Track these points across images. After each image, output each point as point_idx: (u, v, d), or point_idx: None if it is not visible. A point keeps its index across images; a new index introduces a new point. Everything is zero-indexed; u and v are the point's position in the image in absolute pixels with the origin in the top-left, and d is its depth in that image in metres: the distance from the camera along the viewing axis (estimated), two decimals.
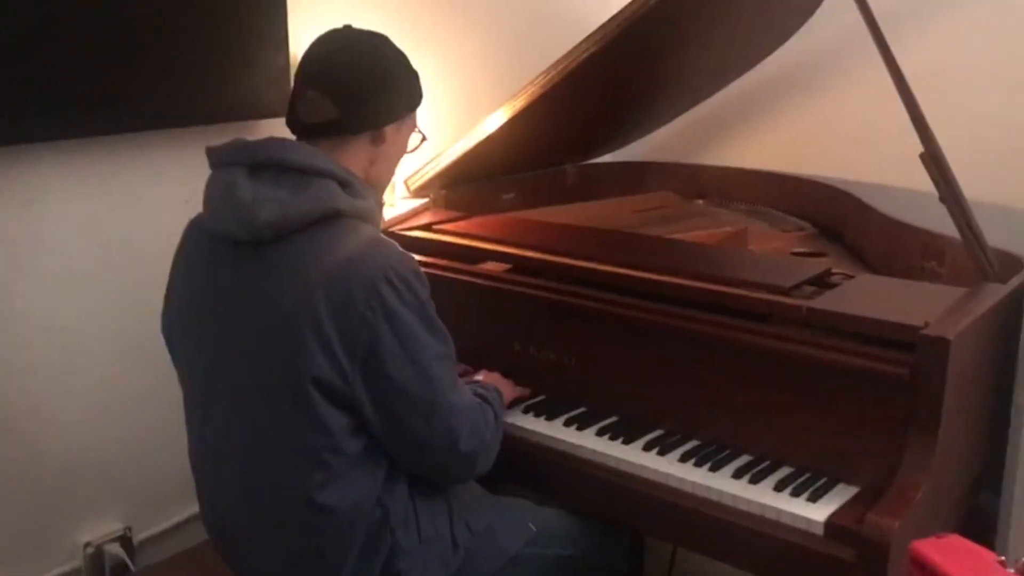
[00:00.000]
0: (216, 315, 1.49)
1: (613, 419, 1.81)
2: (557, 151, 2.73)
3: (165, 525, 2.23)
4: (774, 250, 2.35)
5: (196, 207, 2.12)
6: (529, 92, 2.23)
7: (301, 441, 1.43)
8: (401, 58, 1.58)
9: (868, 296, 1.71)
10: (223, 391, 1.49)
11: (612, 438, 1.75)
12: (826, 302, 1.65)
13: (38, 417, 2.00)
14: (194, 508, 2.14)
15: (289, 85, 2.15)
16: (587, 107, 2.47)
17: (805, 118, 2.85)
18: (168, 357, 2.12)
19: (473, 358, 1.93)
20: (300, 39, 2.19)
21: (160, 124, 2.04)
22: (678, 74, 2.56)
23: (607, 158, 2.95)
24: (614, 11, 2.16)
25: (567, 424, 1.81)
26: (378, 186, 1.59)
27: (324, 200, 1.43)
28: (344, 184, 1.46)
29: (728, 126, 3.01)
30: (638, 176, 2.93)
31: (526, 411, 1.86)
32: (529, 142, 2.48)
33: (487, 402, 1.64)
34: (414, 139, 1.65)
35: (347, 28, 1.58)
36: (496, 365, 1.94)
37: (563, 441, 1.76)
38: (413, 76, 1.59)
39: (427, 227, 2.21)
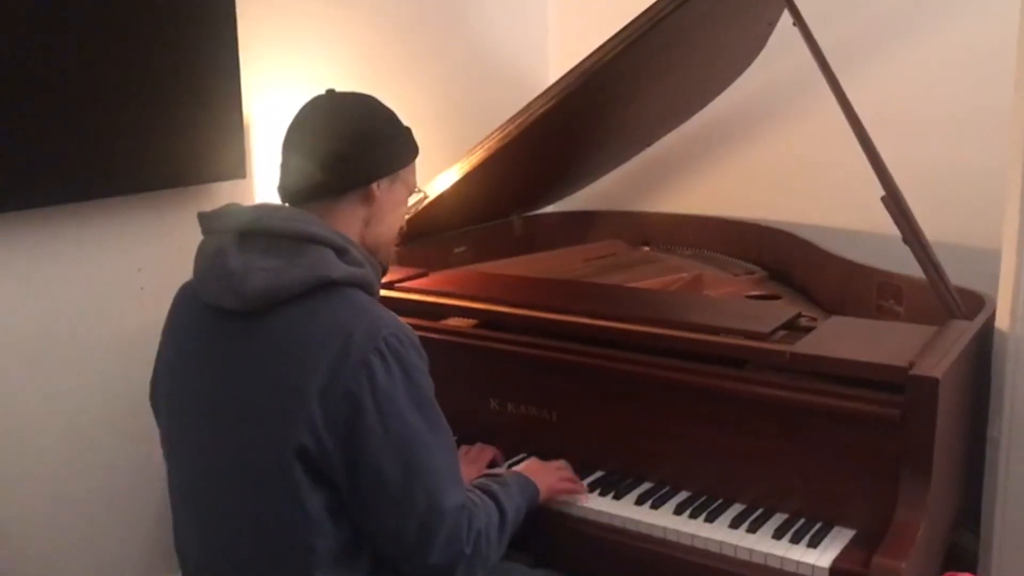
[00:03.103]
0: (205, 386, 1.42)
1: (599, 474, 1.80)
2: (505, 203, 2.74)
3: None
4: (729, 294, 2.38)
5: (149, 275, 2.07)
6: (486, 147, 2.24)
7: (285, 519, 1.37)
8: (385, 116, 1.54)
9: (845, 338, 1.73)
10: (211, 464, 1.42)
11: (602, 493, 1.73)
12: (807, 346, 1.67)
13: None
14: None
15: (243, 147, 2.11)
16: (536, 160, 2.48)
17: (744, 163, 2.92)
18: (126, 434, 2.05)
19: (449, 419, 1.89)
20: (253, 100, 2.15)
21: (110, 192, 1.96)
22: (624, 125, 2.59)
23: (550, 208, 2.97)
24: (553, 70, 2.17)
25: None
26: (377, 248, 1.53)
27: (317, 268, 1.37)
28: (339, 251, 1.41)
29: (668, 172, 3.06)
30: (584, 225, 2.95)
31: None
32: (479, 196, 2.48)
33: (498, 506, 1.51)
34: (413, 196, 1.62)
35: (329, 92, 1.54)
36: (473, 424, 1.91)
37: (552, 499, 1.74)
38: (401, 133, 1.54)
39: (387, 285, 2.17)
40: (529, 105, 2.20)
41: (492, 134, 2.24)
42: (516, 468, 1.73)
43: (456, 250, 2.62)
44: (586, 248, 2.79)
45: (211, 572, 1.46)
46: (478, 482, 1.57)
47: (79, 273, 1.97)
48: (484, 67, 2.94)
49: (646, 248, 2.87)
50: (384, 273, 1.57)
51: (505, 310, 1.95)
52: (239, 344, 1.39)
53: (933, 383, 1.50)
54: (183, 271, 2.08)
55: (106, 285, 2.00)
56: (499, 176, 2.40)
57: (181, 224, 2.10)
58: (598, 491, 1.74)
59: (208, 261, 1.42)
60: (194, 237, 2.08)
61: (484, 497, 1.52)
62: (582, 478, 1.78)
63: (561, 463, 1.77)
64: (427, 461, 1.37)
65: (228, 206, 1.47)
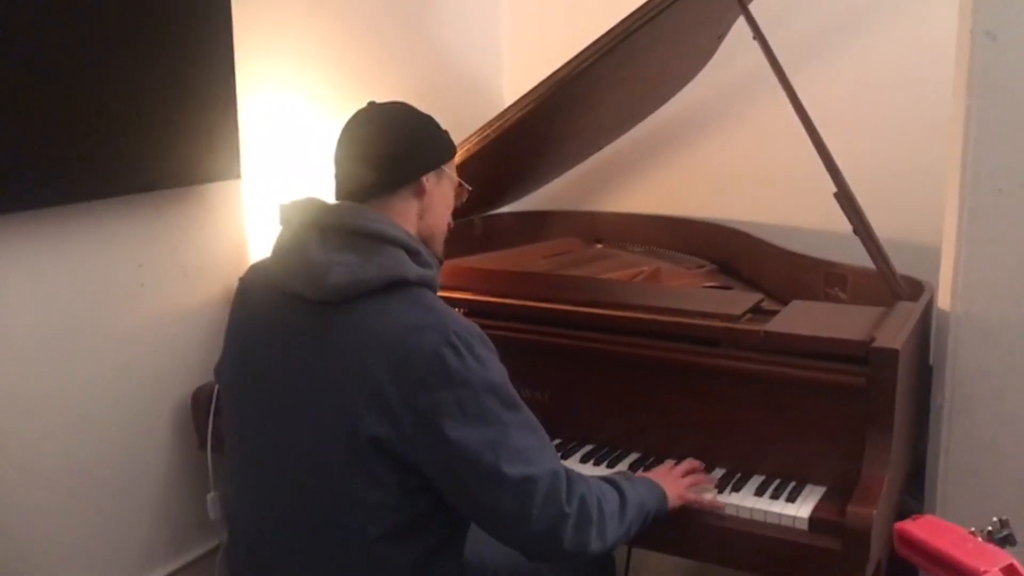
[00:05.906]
0: (278, 368, 1.52)
1: (590, 447, 1.96)
2: (467, 204, 2.86)
3: None
4: (687, 285, 2.57)
5: (150, 271, 2.14)
6: (464, 150, 2.37)
7: (358, 498, 1.45)
8: (424, 118, 1.67)
9: (809, 318, 1.93)
10: (281, 441, 1.51)
11: (595, 464, 1.89)
12: (778, 326, 1.86)
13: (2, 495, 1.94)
14: None
15: (238, 147, 2.20)
16: (500, 163, 2.63)
17: (689, 164, 3.13)
18: (128, 426, 2.12)
19: None
20: (245, 103, 2.24)
21: (111, 193, 2.02)
22: (580, 130, 2.76)
23: (506, 208, 3.12)
24: (506, 80, 2.33)
25: None
26: (432, 238, 1.66)
27: (392, 268, 1.47)
28: (411, 252, 1.52)
29: (618, 173, 3.25)
30: (539, 224, 3.12)
31: None
32: None
33: (617, 490, 1.58)
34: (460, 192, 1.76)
35: (370, 104, 1.66)
36: None
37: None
38: (441, 132, 1.68)
39: None
40: (504, 112, 2.35)
41: (469, 138, 2.38)
42: (645, 474, 1.79)
43: None
44: (544, 245, 2.95)
45: (271, 547, 1.54)
46: (600, 475, 1.64)
47: (82, 271, 2.02)
48: (442, 75, 3.08)
49: (599, 245, 3.05)
50: (439, 268, 1.69)
51: (498, 300, 2.10)
52: (316, 331, 1.49)
53: (894, 353, 1.70)
54: (180, 268, 2.20)
55: (108, 282, 2.06)
56: (468, 179, 2.54)
57: (177, 223, 2.18)
58: (591, 462, 1.91)
59: (290, 252, 1.53)
60: (188, 236, 2.20)
61: (600, 481, 1.58)
62: (574, 453, 1.95)
63: (688, 464, 1.83)
64: (509, 438, 1.44)
65: (308, 200, 1.57)
